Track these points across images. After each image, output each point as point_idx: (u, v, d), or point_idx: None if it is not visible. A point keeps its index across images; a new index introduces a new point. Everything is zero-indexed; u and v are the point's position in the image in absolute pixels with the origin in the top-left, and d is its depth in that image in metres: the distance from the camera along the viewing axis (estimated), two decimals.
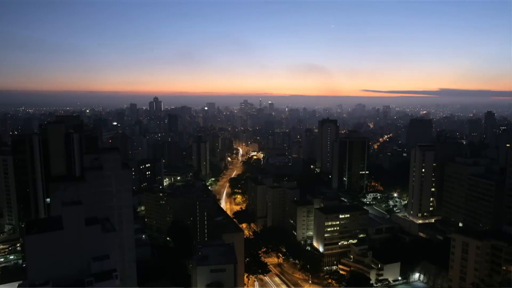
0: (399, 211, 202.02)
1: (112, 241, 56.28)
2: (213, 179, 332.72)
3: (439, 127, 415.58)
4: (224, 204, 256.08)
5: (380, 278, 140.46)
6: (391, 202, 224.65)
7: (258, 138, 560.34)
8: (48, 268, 49.61)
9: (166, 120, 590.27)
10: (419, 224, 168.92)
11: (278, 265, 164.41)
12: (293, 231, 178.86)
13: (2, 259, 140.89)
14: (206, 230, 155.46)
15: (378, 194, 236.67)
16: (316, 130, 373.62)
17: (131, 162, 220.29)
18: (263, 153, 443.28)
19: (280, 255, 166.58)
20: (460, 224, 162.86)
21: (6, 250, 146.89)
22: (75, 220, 52.51)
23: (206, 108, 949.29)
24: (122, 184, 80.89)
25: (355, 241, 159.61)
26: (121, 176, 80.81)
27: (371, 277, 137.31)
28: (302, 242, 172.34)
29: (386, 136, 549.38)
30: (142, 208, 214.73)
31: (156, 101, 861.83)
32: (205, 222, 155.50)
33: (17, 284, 55.60)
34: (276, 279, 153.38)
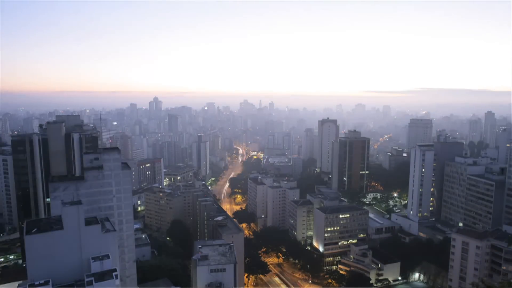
0: (399, 211, 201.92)
1: (112, 241, 56.28)
2: (213, 179, 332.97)
3: (439, 127, 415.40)
4: (224, 204, 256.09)
5: (380, 278, 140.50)
6: (391, 202, 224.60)
7: (258, 138, 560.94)
8: (48, 268, 49.64)
9: (166, 120, 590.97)
10: (419, 224, 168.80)
11: (278, 265, 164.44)
12: (293, 231, 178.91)
13: (2, 259, 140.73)
14: (206, 230, 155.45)
15: (378, 194, 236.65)
16: (316, 130, 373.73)
17: (131, 162, 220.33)
18: (263, 153, 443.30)
19: (280, 255, 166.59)
20: (460, 224, 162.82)
21: (6, 250, 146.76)
22: (75, 220, 52.56)
23: (206, 108, 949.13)
24: (122, 184, 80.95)
25: (355, 241, 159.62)
26: (121, 176, 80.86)
27: (371, 277, 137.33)
28: (302, 242, 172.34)
29: (386, 136, 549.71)
30: (142, 208, 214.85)
31: (156, 101, 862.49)
32: (205, 222, 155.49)
33: (17, 284, 55.62)
34: (276, 279, 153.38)
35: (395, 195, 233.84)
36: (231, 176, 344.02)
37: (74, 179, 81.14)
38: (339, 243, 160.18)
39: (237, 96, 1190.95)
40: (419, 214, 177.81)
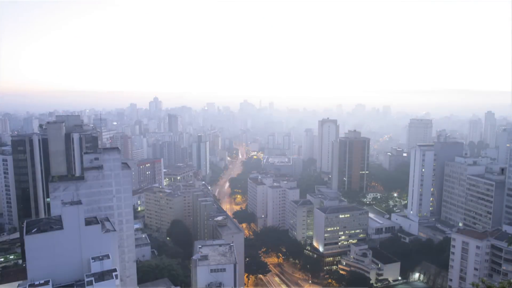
0: (399, 211, 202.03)
1: (112, 241, 56.28)
2: (213, 179, 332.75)
3: (439, 127, 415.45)
4: (224, 204, 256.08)
5: (380, 278, 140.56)
6: (391, 202, 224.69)
7: (258, 138, 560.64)
8: (48, 268, 49.64)
9: (166, 120, 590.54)
10: (419, 224, 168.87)
11: (278, 265, 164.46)
12: (293, 231, 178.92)
13: (2, 259, 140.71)
14: (206, 230, 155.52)
15: (378, 194, 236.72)
16: (316, 130, 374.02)
17: (131, 162, 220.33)
18: (263, 153, 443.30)
19: (280, 255, 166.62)
20: (460, 224, 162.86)
21: (6, 250, 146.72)
22: (75, 220, 52.56)
23: (206, 108, 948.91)
24: (122, 184, 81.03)
25: (355, 241, 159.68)
26: (121, 176, 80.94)
27: (371, 277, 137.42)
28: (302, 242, 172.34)
29: (386, 136, 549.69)
30: (142, 208, 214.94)
31: (156, 101, 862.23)
32: (205, 222, 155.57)
33: (17, 284, 55.56)
34: (276, 279, 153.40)
35: (395, 195, 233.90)
36: (231, 176, 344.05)
37: (74, 179, 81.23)
38: (339, 243, 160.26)
39: (237, 96, 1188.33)
40: (419, 214, 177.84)
